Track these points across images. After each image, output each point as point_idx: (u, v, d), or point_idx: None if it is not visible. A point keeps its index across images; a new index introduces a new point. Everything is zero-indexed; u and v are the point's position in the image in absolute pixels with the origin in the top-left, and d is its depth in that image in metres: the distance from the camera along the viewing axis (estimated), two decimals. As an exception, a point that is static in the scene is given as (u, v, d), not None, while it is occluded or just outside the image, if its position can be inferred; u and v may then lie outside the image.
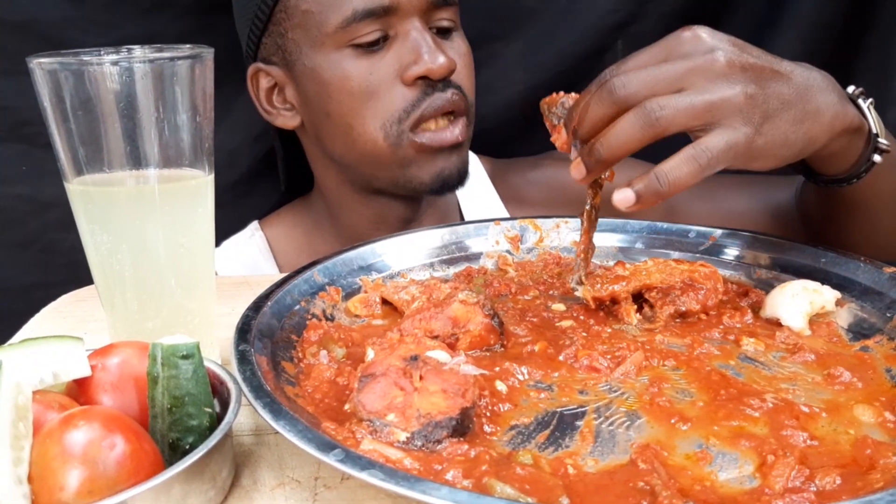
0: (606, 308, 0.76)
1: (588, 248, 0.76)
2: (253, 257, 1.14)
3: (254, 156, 1.21)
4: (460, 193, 1.18)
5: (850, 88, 0.74)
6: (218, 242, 1.15)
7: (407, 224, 1.09)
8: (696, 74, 0.64)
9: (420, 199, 1.09)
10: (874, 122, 0.74)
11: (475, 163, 1.17)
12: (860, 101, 0.74)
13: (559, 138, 0.72)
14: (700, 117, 0.63)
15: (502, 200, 1.18)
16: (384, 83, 0.94)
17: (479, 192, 1.17)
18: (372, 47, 0.94)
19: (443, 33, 0.99)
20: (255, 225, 1.18)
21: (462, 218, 1.17)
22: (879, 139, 0.74)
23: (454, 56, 0.96)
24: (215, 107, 0.66)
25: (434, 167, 0.98)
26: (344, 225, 1.10)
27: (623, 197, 0.64)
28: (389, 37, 0.95)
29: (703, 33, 0.66)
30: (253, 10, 0.98)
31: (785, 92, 0.66)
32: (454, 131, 0.97)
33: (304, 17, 0.95)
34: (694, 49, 0.66)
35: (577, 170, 0.69)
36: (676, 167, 0.63)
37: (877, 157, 0.75)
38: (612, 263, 0.83)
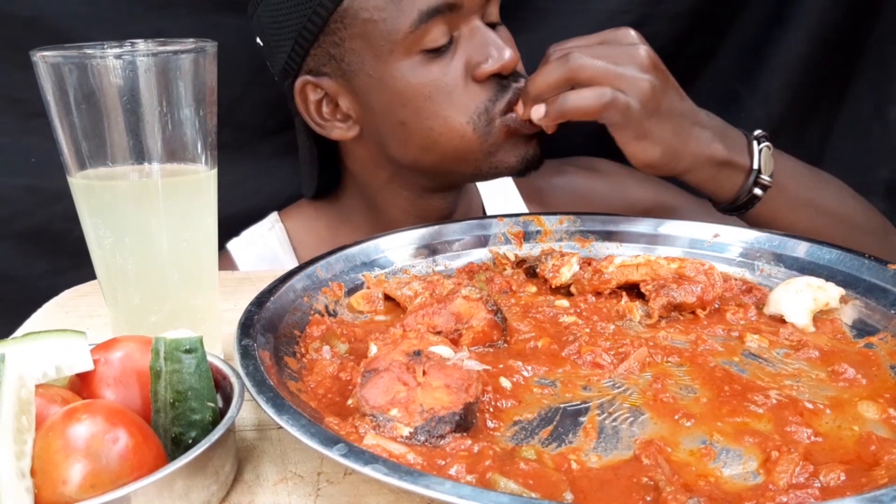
0: (610, 304, 0.76)
1: None
2: (272, 248, 1.14)
3: (259, 154, 1.21)
4: (483, 191, 1.19)
5: (756, 132, 0.91)
6: (238, 230, 1.15)
7: (446, 217, 1.10)
8: (622, 56, 0.83)
9: (458, 193, 1.12)
10: (761, 161, 0.89)
11: None
12: (754, 143, 0.90)
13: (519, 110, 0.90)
14: (606, 78, 0.81)
15: (524, 200, 1.19)
16: (459, 84, 0.94)
17: (502, 190, 1.18)
18: (442, 51, 0.94)
19: (492, 27, 0.99)
20: (274, 216, 1.17)
21: (484, 214, 1.18)
22: (762, 175, 0.89)
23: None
24: (220, 105, 0.66)
25: (519, 150, 0.99)
26: (385, 221, 1.10)
27: (536, 108, 0.85)
28: (454, 38, 0.94)
29: (634, 32, 0.86)
30: (300, 21, 0.95)
31: (677, 105, 0.85)
32: None
33: (365, 27, 0.92)
34: (624, 39, 0.85)
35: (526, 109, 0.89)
36: (578, 97, 0.82)
37: (757, 191, 0.90)
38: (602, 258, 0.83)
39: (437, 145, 0.97)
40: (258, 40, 1.02)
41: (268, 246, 1.14)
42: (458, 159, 0.98)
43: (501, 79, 0.95)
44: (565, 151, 1.21)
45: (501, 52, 0.94)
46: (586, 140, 1.24)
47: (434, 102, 0.94)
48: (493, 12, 0.98)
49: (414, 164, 1.01)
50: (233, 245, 1.14)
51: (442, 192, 1.08)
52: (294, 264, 1.11)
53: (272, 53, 1.00)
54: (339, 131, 1.02)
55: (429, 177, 1.03)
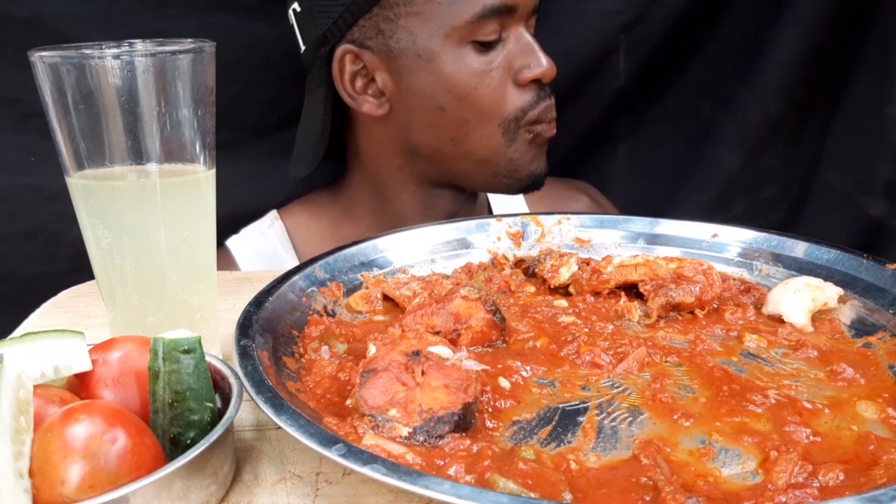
0: (608, 305, 0.76)
1: None
2: (272, 246, 1.14)
3: (256, 153, 1.21)
4: (493, 199, 1.22)
5: None
6: (236, 230, 1.15)
7: (452, 215, 1.11)
8: None
9: (465, 192, 1.13)
10: None
11: None
12: None
13: None
14: None
15: (530, 208, 1.22)
16: (500, 82, 0.98)
17: (510, 201, 1.21)
18: (490, 46, 0.97)
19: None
20: (273, 214, 1.17)
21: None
22: None
23: None
24: (218, 105, 0.66)
25: (533, 165, 1.04)
26: (391, 214, 1.11)
27: None
28: (502, 38, 0.98)
29: None
30: None
31: None
32: (553, 129, 1.04)
33: (425, 6, 0.95)
34: None
35: None
36: None
37: None
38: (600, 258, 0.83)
39: (467, 138, 0.99)
40: (294, 6, 1.02)
41: (267, 243, 1.14)
42: (478, 161, 1.01)
43: (539, 88, 0.99)
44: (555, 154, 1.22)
45: (541, 60, 0.98)
46: (576, 145, 1.25)
47: (477, 94, 0.97)
48: (532, 24, 1.02)
49: (435, 154, 1.02)
50: (232, 242, 1.14)
51: (449, 189, 1.09)
52: (294, 261, 1.12)
53: (312, 18, 1.00)
54: (370, 106, 1.03)
55: (443, 172, 1.04)
